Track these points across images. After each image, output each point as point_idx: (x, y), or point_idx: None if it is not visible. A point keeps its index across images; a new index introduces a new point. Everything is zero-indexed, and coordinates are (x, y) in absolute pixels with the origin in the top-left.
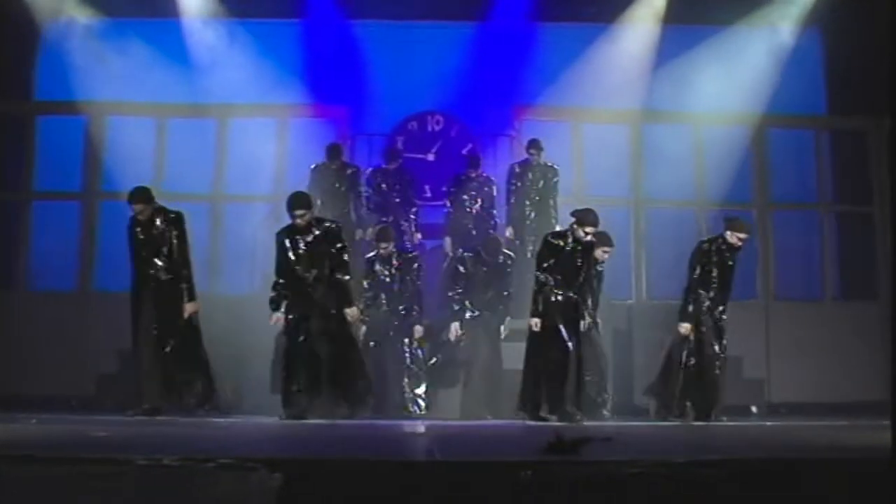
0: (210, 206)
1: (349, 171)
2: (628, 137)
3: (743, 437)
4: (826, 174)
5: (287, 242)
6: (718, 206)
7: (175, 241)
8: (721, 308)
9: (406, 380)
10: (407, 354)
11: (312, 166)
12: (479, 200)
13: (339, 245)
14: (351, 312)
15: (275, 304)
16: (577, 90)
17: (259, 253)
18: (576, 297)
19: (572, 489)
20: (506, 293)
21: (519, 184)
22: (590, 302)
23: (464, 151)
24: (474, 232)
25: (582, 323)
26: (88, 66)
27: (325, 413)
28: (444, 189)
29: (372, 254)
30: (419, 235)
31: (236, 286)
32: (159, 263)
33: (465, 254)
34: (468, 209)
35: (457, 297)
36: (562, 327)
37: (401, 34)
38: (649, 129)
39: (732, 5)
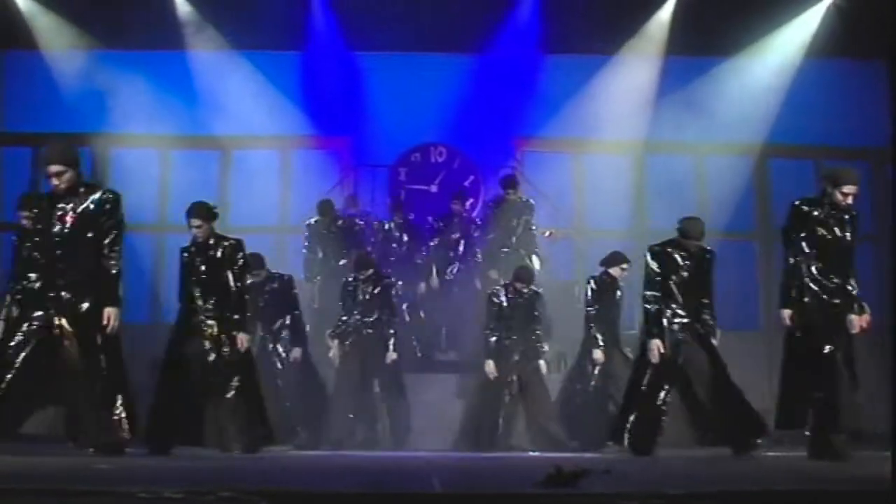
0: None
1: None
2: (630, 168)
3: (742, 469)
4: None
5: (38, 214)
6: (720, 236)
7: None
8: None
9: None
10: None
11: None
12: (462, 238)
13: (113, 220)
14: (110, 312)
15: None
16: (580, 121)
17: None
18: (840, 283)
19: None
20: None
21: (494, 222)
22: None
23: (465, 183)
24: (457, 267)
25: (853, 320)
26: (92, 97)
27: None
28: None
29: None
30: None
31: None
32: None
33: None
34: (452, 246)
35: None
36: (819, 323)
37: (404, 66)
38: (651, 159)
39: (734, 36)
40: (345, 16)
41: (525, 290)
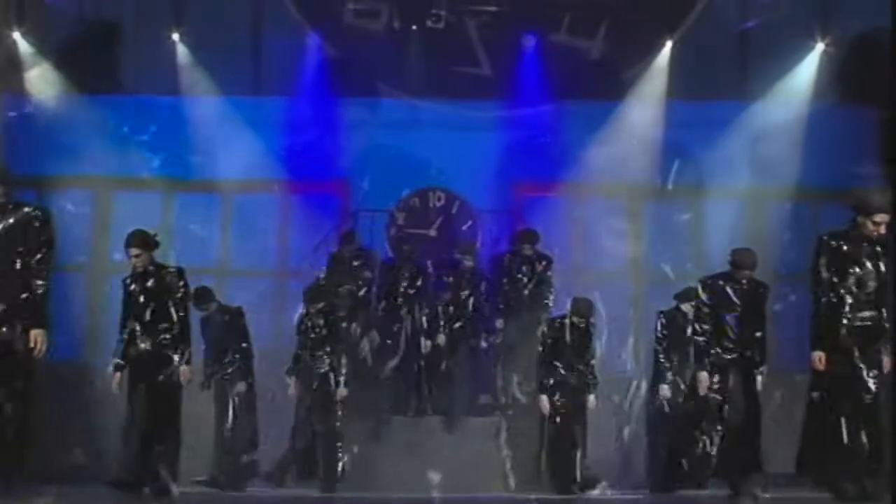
0: (215, 280)
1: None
2: (629, 212)
3: None
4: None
5: None
6: None
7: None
8: None
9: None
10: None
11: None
12: (472, 295)
13: (42, 238)
14: (37, 335)
15: None
16: (579, 166)
17: (264, 325)
18: (879, 315)
19: None
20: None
21: (509, 275)
22: None
23: (464, 227)
24: (463, 323)
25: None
26: (94, 142)
27: None
28: (444, 275)
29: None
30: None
31: None
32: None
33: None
34: (462, 303)
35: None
36: (859, 363)
37: (402, 111)
38: (650, 204)
39: (732, 83)
40: (342, 62)
41: (581, 324)
